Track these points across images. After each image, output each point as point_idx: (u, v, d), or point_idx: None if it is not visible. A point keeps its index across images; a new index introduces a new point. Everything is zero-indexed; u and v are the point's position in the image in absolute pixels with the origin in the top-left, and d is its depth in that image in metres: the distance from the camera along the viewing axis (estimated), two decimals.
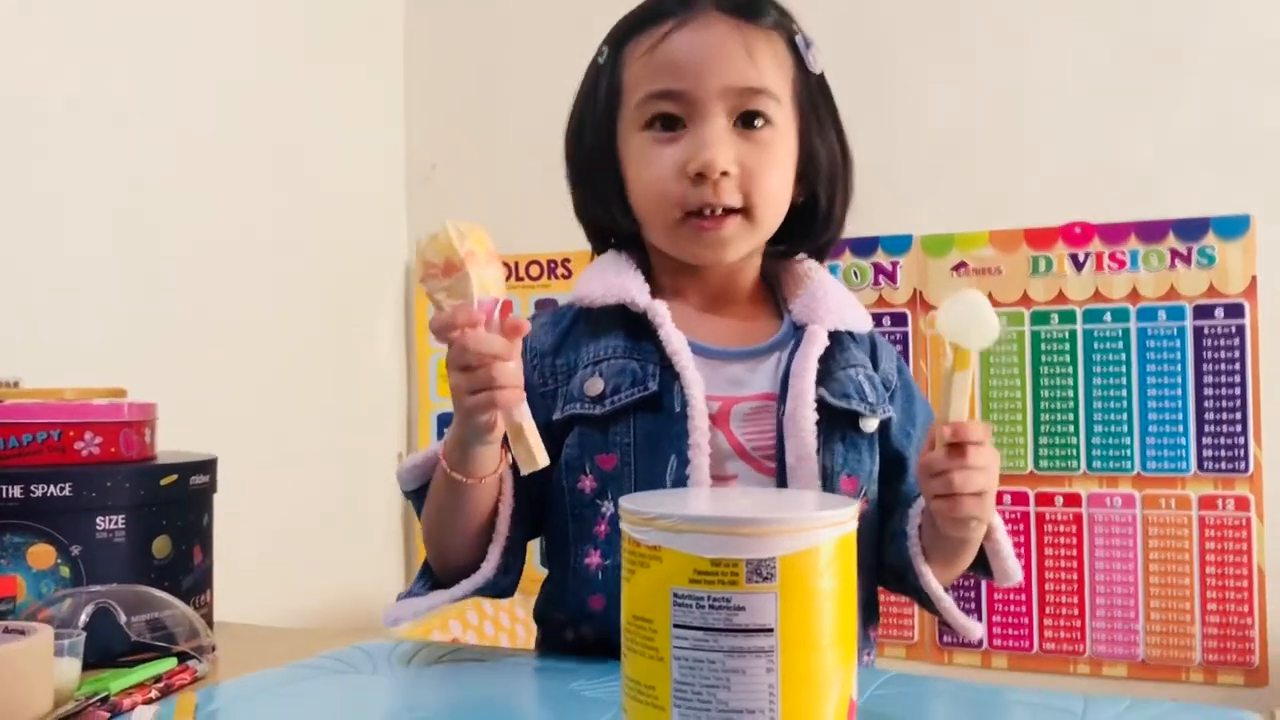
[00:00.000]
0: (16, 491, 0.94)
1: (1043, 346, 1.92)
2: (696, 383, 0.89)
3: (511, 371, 0.79)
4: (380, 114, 2.35)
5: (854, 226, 2.00)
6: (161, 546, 1.01)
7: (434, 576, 0.94)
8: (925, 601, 0.95)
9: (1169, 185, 1.86)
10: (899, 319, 2.01)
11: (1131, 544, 1.86)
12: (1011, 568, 0.93)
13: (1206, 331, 1.83)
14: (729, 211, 0.91)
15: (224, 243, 1.83)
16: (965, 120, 1.99)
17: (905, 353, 2.00)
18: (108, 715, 0.76)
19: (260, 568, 1.70)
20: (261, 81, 1.94)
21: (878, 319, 2.02)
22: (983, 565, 0.95)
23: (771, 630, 0.61)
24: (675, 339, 0.91)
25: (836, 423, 0.91)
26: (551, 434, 0.94)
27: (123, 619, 0.90)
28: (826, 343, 0.93)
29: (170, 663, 0.88)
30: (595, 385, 0.91)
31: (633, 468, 0.89)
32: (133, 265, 1.65)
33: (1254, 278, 1.80)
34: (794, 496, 0.76)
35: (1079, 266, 1.90)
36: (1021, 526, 1.92)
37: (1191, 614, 1.82)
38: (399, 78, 2.39)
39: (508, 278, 2.29)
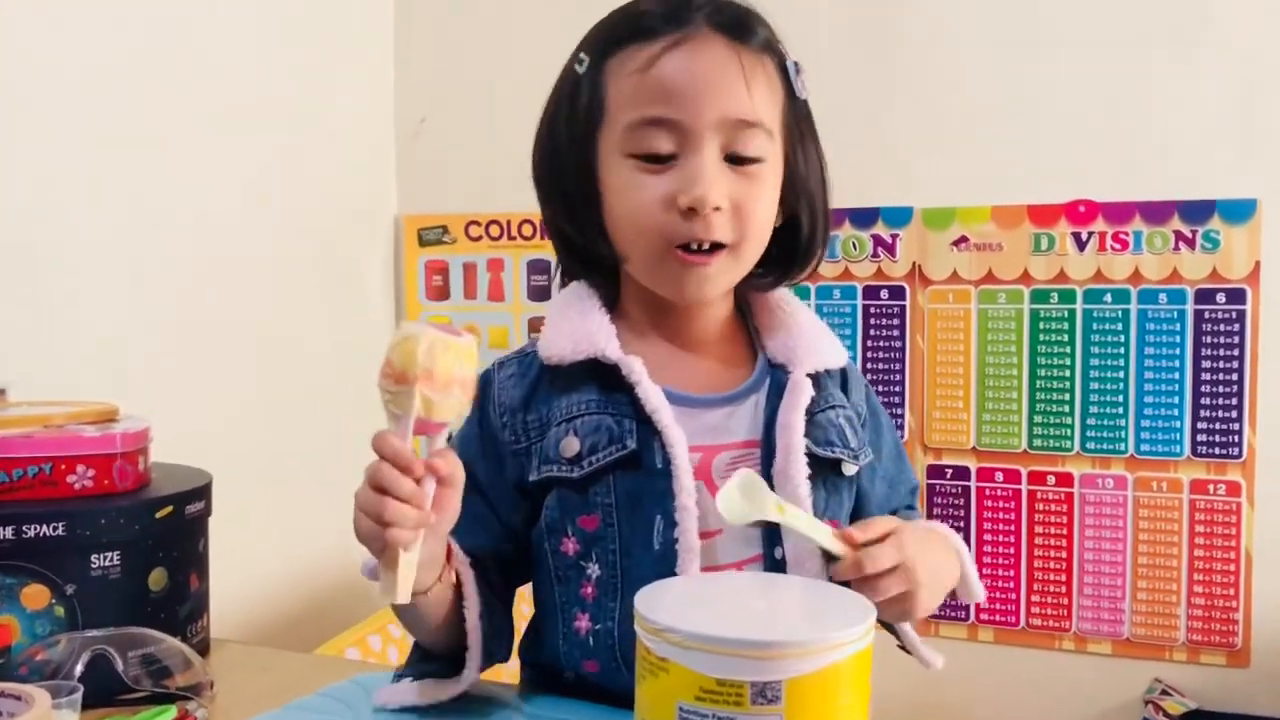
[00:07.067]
0: (9, 532, 0.92)
1: (1041, 325, 1.90)
2: (680, 441, 0.86)
3: (404, 513, 0.75)
4: (369, 65, 2.29)
5: (855, 197, 1.99)
6: (158, 579, 1.00)
7: (423, 651, 0.91)
8: (889, 629, 0.93)
9: (1176, 166, 1.83)
10: (897, 292, 1.99)
11: (1121, 525, 1.87)
12: (975, 589, 0.94)
13: (1207, 316, 1.81)
14: (716, 247, 0.87)
15: (209, 200, 1.79)
16: (971, 92, 1.94)
17: (901, 326, 1.98)
18: None
19: (253, 526, 1.69)
20: (249, 32, 1.88)
21: (875, 291, 2.00)
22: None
23: None
24: (653, 396, 0.87)
25: (819, 469, 0.89)
26: (527, 493, 0.91)
27: (119, 665, 0.89)
28: (813, 392, 0.90)
29: (170, 711, 0.88)
30: (571, 446, 0.87)
31: (616, 529, 0.87)
32: (116, 229, 1.61)
33: (1258, 263, 1.78)
34: (812, 601, 0.73)
35: (1081, 246, 1.87)
36: (1013, 504, 1.93)
37: (1178, 595, 1.84)
38: (389, 28, 2.32)
39: (499, 237, 2.26)
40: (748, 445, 0.90)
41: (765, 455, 0.89)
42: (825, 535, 0.82)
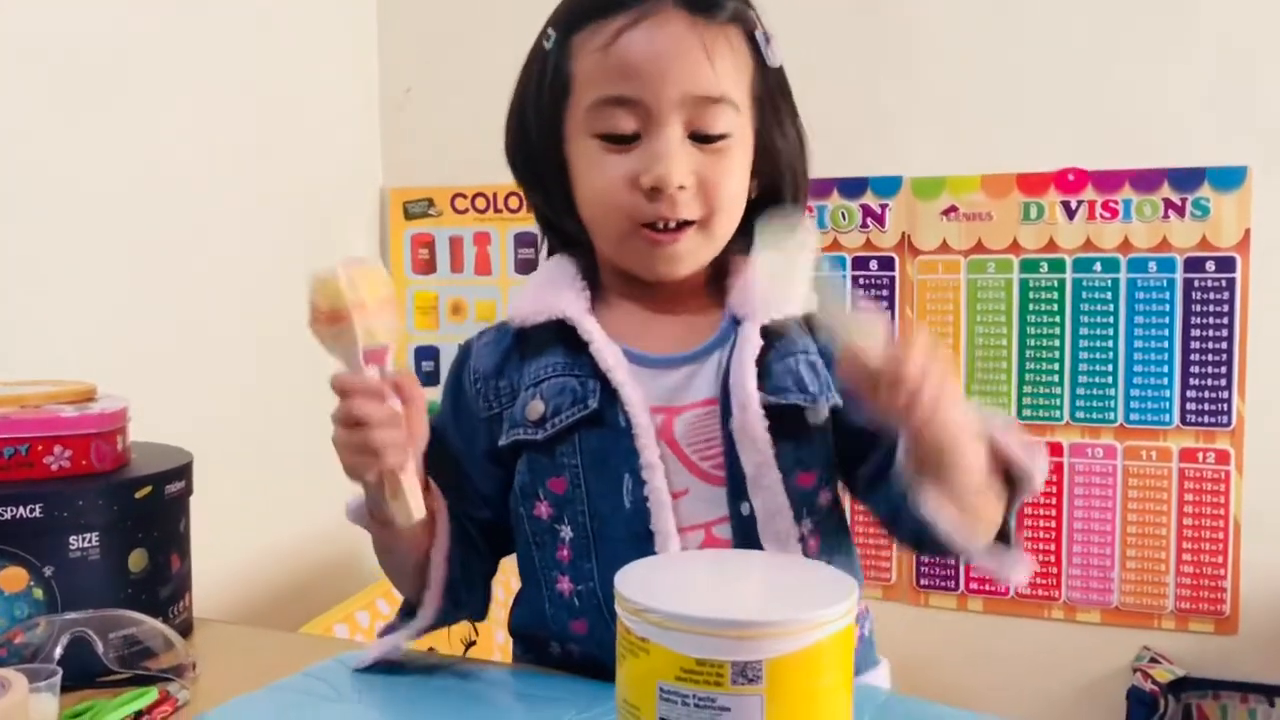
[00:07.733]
0: None
1: (1031, 295, 1.89)
2: (637, 399, 0.86)
3: (392, 436, 0.79)
4: (352, 35, 2.26)
5: (843, 166, 1.97)
6: (138, 560, 0.99)
7: (410, 609, 0.93)
8: (935, 543, 0.82)
9: (1166, 134, 1.81)
10: (886, 263, 1.98)
11: (1111, 494, 1.87)
12: (1033, 466, 0.82)
13: (1196, 285, 1.80)
14: (684, 224, 0.86)
15: (191, 173, 1.77)
16: (961, 60, 1.92)
17: (891, 297, 1.97)
18: None
19: (238, 507, 1.68)
20: (231, 3, 1.85)
21: (863, 263, 1.99)
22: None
23: None
24: (608, 354, 0.87)
25: (782, 420, 0.86)
26: (499, 460, 0.92)
27: (100, 648, 0.88)
28: (760, 342, 0.87)
29: (151, 694, 0.87)
30: (536, 408, 0.88)
31: (584, 490, 0.87)
32: (94, 206, 1.59)
33: (1247, 231, 1.77)
34: (794, 579, 0.72)
35: (1071, 214, 1.86)
36: None
37: (1167, 563, 1.85)
38: None
39: (485, 210, 2.24)
40: (708, 404, 0.88)
41: (723, 413, 0.87)
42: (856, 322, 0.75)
